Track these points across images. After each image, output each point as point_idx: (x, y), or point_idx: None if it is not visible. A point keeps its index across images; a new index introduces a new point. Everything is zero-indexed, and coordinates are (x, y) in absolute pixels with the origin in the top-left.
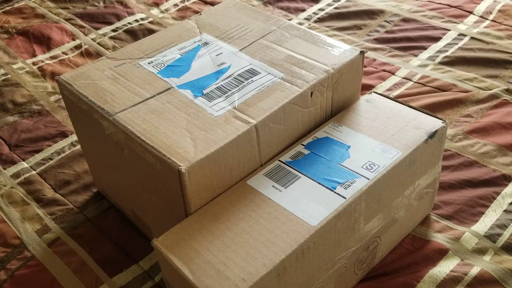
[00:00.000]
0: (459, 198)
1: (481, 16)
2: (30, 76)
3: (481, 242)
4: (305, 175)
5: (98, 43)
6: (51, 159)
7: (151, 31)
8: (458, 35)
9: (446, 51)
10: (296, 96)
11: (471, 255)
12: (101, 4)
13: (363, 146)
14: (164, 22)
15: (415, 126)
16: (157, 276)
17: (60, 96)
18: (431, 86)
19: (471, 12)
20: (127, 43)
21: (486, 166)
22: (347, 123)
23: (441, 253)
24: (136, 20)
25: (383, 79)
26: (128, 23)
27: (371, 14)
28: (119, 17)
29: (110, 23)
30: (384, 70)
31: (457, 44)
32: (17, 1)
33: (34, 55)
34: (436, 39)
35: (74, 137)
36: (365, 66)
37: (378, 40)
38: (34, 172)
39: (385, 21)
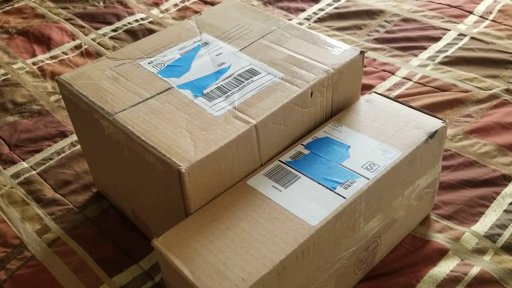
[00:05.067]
0: (459, 198)
1: (481, 16)
2: (30, 76)
3: (481, 242)
4: (305, 175)
5: (98, 43)
6: (51, 159)
7: (151, 31)
8: (458, 35)
9: (446, 51)
10: (296, 96)
11: (471, 255)
12: (101, 4)
13: (363, 146)
14: (164, 22)
15: (415, 126)
16: (157, 276)
17: (60, 96)
18: (431, 86)
19: (471, 12)
20: (127, 43)
21: (486, 166)
22: (347, 123)
23: (441, 253)
24: (136, 20)
25: (383, 79)
26: (128, 23)
27: (371, 14)
28: (119, 17)
29: (110, 23)
30: (384, 70)
31: (457, 44)
32: (17, 1)
33: (34, 55)
34: (436, 39)
35: (74, 137)
36: (365, 66)
37: (378, 40)
38: (34, 172)
39: (385, 21)
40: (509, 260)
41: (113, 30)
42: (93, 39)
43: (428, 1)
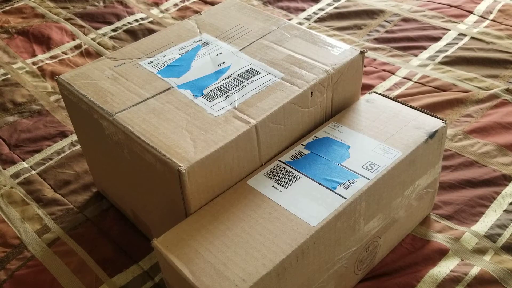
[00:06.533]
0: (459, 198)
1: (481, 16)
2: (30, 76)
3: (481, 242)
4: (305, 175)
5: (98, 43)
6: (51, 159)
7: (151, 31)
8: (458, 35)
9: (446, 51)
10: (296, 96)
11: (471, 255)
12: (101, 4)
13: (363, 146)
14: (164, 22)
15: (415, 126)
16: (157, 276)
17: (60, 96)
18: (431, 86)
19: (471, 12)
20: (127, 43)
21: (486, 166)
22: (347, 123)
23: (441, 253)
24: (136, 20)
25: (383, 79)
26: (128, 23)
27: (371, 14)
28: (119, 17)
29: (110, 23)
30: (384, 70)
31: (457, 44)
32: (17, 1)
33: (34, 55)
34: (436, 39)
35: (74, 137)
36: (365, 66)
37: (378, 40)
38: (34, 172)
39: (385, 21)
40: (509, 260)
41: (113, 30)
42: (93, 39)
43: (428, 1)
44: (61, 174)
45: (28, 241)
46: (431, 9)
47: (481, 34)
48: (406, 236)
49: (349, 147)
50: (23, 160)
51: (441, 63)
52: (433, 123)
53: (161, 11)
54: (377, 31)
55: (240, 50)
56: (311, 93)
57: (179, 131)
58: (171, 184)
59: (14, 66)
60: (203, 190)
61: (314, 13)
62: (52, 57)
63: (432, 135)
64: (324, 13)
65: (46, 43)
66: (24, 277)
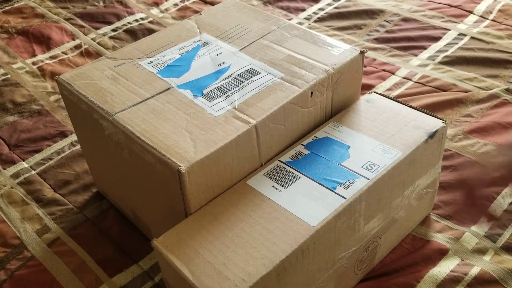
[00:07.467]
0: (459, 198)
1: (481, 16)
2: (30, 76)
3: (481, 242)
4: (305, 175)
5: (98, 43)
6: (51, 159)
7: (151, 31)
8: (458, 34)
9: (446, 50)
10: (296, 96)
11: (471, 255)
12: (101, 3)
13: (363, 146)
14: (164, 22)
15: (415, 126)
16: (157, 276)
17: (60, 96)
18: (431, 86)
19: (471, 12)
20: (127, 43)
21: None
22: (347, 123)
23: (441, 253)
24: (136, 20)
25: (383, 79)
26: (128, 23)
27: (371, 13)
28: (119, 17)
29: (110, 23)
30: (384, 70)
31: (457, 43)
32: (17, 1)
33: (34, 55)
34: (436, 38)
35: (74, 137)
36: (365, 66)
37: (378, 40)
38: (34, 172)
39: (385, 20)
40: (509, 260)
41: (113, 30)
42: (93, 39)
43: (428, 1)
44: (61, 174)
45: (28, 241)
46: (431, 9)
47: (481, 34)
48: (406, 236)
49: (349, 147)
50: (23, 160)
51: (441, 63)
52: (433, 123)
53: (161, 11)
54: (377, 31)
55: (240, 50)
56: (311, 93)
57: (179, 131)
58: (171, 184)
59: (14, 66)
60: (203, 190)
61: (314, 13)
62: (52, 57)
63: (432, 135)
64: (324, 13)
65: (46, 43)
66: (24, 277)
